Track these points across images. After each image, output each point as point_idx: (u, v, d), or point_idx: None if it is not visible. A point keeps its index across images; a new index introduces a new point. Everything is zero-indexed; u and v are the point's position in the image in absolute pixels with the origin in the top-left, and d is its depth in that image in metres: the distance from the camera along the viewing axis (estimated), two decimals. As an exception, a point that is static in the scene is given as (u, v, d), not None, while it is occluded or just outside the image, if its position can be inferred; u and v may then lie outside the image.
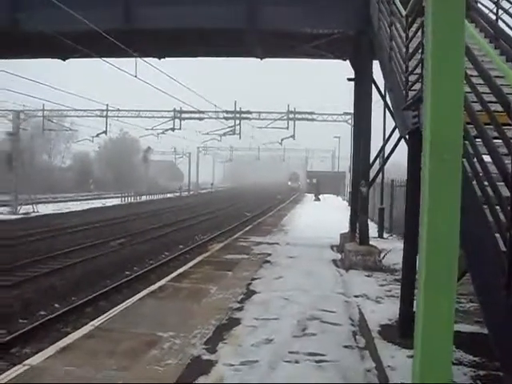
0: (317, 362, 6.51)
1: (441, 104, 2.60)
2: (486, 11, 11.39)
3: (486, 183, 4.58)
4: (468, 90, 5.39)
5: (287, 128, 47.24)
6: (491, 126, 4.55)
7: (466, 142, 5.22)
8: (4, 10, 14.86)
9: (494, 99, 4.61)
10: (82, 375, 5.77)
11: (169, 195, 66.30)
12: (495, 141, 4.60)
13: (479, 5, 11.88)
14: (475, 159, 4.88)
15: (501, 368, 3.99)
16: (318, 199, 57.10)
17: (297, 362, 6.49)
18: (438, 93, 2.61)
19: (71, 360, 6.26)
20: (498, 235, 4.34)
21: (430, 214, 2.71)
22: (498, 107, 4.47)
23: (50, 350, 6.59)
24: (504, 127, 4.31)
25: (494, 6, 10.92)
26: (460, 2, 2.72)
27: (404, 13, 7.98)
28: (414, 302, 5.13)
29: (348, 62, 17.41)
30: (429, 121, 2.65)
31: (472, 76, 5.36)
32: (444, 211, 2.69)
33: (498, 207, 4.32)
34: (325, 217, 29.73)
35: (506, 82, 4.67)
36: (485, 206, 4.63)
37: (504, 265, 4.02)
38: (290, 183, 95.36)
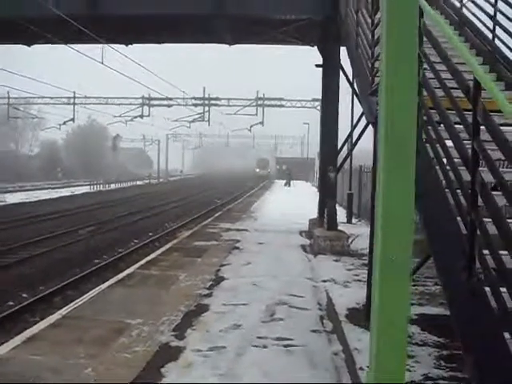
0: (285, 346, 6.57)
1: (395, 91, 2.63)
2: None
3: (448, 168, 4.66)
4: (432, 76, 5.48)
5: (256, 114, 47.33)
6: (453, 112, 4.62)
7: (430, 127, 5.30)
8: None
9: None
10: (48, 364, 5.73)
11: (138, 183, 65.76)
12: (457, 126, 4.68)
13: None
14: (438, 144, 4.96)
15: (462, 348, 4.07)
16: (289, 185, 57.26)
17: (265, 346, 6.54)
18: (393, 80, 2.64)
19: (37, 349, 6.22)
20: (459, 219, 4.43)
21: (385, 200, 2.75)
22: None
23: (16, 341, 6.52)
24: (465, 112, 4.38)
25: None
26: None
27: (370, -1, 8.03)
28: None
29: (316, 48, 17.43)
30: (384, 107, 2.69)
31: (435, 62, 5.43)
32: (398, 197, 2.72)
33: (459, 191, 4.41)
34: (294, 203, 29.83)
35: (467, 69, 4.73)
36: (447, 191, 4.72)
37: (465, 247, 4.11)
38: (258, 170, 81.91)
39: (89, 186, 51.61)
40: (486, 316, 3.82)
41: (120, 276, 10.27)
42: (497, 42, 8.92)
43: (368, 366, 3.13)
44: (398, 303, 2.78)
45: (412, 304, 7.96)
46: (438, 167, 4.94)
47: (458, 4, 11.02)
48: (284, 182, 59.73)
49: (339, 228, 15.12)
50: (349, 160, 18.28)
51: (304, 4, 14.99)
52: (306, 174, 74.84)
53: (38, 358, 5.92)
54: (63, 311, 7.81)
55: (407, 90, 2.63)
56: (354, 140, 16.52)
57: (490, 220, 3.83)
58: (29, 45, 18.25)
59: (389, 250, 2.71)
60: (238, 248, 14.23)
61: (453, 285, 4.30)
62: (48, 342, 6.50)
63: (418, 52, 5.69)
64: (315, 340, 6.92)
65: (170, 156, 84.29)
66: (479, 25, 9.73)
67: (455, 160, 4.59)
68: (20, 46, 18.62)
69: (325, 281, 10.34)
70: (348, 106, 19.44)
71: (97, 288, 9.20)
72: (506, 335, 3.53)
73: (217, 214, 23.74)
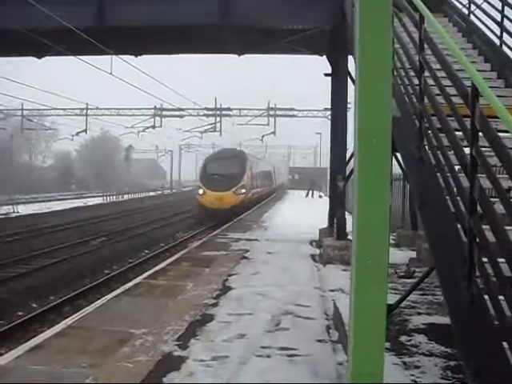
0: (288, 356, 6.52)
1: (369, 93, 2.61)
2: (460, 6, 11.52)
3: (448, 175, 4.62)
4: (432, 83, 5.45)
5: (268, 124, 47.37)
6: (453, 118, 4.59)
7: (431, 134, 5.27)
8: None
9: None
10: (50, 373, 5.73)
11: (151, 193, 66.02)
12: (457, 132, 4.64)
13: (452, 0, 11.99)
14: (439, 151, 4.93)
15: (462, 356, 4.02)
16: (307, 195, 57.85)
17: (268, 356, 6.49)
18: (367, 81, 2.62)
19: (40, 359, 6.22)
20: (459, 226, 4.38)
21: (360, 207, 2.72)
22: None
23: (20, 350, 6.53)
24: (465, 118, 4.34)
25: (467, 1, 11.02)
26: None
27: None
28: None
29: (325, 57, 17.43)
30: (357, 107, 2.67)
31: (436, 69, 5.40)
32: (373, 203, 2.69)
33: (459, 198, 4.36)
34: (305, 212, 29.74)
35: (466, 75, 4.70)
36: (447, 198, 4.67)
37: (465, 255, 4.06)
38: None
39: (102, 197, 51.85)
40: (485, 324, 3.76)
41: (127, 286, 10.25)
42: (504, 48, 8.89)
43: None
44: (375, 305, 2.74)
45: (419, 313, 7.89)
46: (439, 174, 4.90)
47: (466, 11, 11.00)
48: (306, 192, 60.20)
49: (349, 237, 15.02)
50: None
51: (313, 14, 14.99)
52: (318, 183, 74.74)
53: (39, 368, 5.91)
54: (68, 321, 7.81)
55: (381, 94, 2.61)
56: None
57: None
58: (39, 57, 18.40)
59: (364, 255, 2.68)
60: (246, 258, 14.19)
61: (453, 293, 4.25)
62: (51, 352, 6.49)
63: (419, 59, 5.70)
64: (320, 350, 6.85)
65: (182, 167, 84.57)
66: (487, 31, 9.72)
67: (456, 167, 4.56)
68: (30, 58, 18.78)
69: (332, 290, 10.28)
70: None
71: (103, 298, 9.18)
72: (505, 344, 3.47)
73: (227, 225, 23.71)
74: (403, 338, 6.63)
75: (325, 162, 70.97)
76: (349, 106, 16.04)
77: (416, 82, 5.97)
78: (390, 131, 2.69)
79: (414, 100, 6.07)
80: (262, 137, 54.54)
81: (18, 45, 16.17)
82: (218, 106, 44.49)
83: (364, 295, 2.73)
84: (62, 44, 16.10)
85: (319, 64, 19.57)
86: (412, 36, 6.44)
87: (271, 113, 45.99)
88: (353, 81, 15.02)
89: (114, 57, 19.69)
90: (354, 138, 2.85)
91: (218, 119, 43.76)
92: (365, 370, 2.81)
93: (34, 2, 12.98)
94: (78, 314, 8.20)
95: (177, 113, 42.86)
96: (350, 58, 14.02)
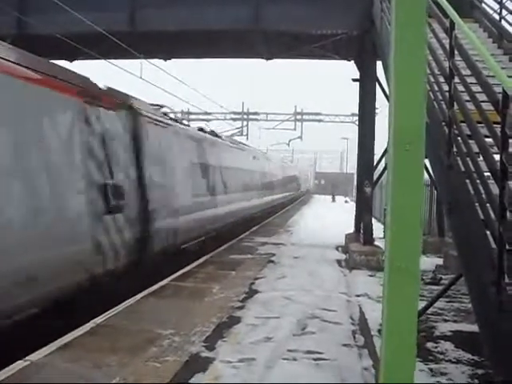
0: (314, 359, 6.54)
1: (404, 97, 2.64)
2: (491, 11, 11.43)
3: (477, 181, 4.61)
4: (462, 89, 5.45)
5: (294, 129, 47.36)
6: (483, 125, 4.59)
7: (460, 140, 5.27)
8: (11, 14, 14.99)
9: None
10: (80, 371, 5.84)
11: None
12: (487, 139, 4.64)
13: (483, 5, 11.91)
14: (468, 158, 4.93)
15: (491, 366, 4.01)
16: (334, 200, 58.29)
17: (294, 359, 6.53)
18: (401, 86, 2.65)
19: (70, 356, 6.33)
20: (489, 233, 4.38)
21: (393, 209, 2.75)
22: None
23: (52, 347, 6.65)
24: (495, 125, 4.34)
25: (498, 6, 10.94)
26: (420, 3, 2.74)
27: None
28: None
29: (353, 62, 17.42)
30: (393, 113, 2.70)
31: (466, 76, 5.40)
32: (406, 206, 2.72)
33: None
34: (332, 217, 29.71)
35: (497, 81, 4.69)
36: (477, 204, 4.67)
37: (494, 262, 4.06)
38: None
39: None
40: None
41: (153, 288, 10.35)
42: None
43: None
44: (407, 309, 2.76)
45: (446, 320, 7.85)
46: (468, 181, 4.89)
47: (497, 17, 10.92)
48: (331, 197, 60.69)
49: (375, 243, 15.00)
50: (386, 174, 18.11)
51: (341, 18, 15.02)
52: (345, 188, 74.59)
53: (69, 365, 6.03)
54: (97, 320, 7.93)
55: (416, 99, 2.65)
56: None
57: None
58: (70, 60, 18.70)
59: (397, 258, 2.71)
60: (273, 262, 14.22)
61: (481, 300, 4.25)
62: (81, 350, 6.61)
63: (449, 65, 5.70)
64: (346, 354, 6.87)
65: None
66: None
67: (485, 173, 4.55)
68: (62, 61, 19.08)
69: (358, 295, 10.27)
70: (385, 120, 19.34)
71: (130, 299, 9.29)
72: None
73: (253, 229, 23.75)
74: (429, 345, 6.60)
75: (351, 167, 70.86)
76: (377, 111, 16.00)
77: (445, 88, 5.96)
78: (423, 137, 2.73)
79: (444, 106, 6.07)
80: (289, 141, 54.66)
81: (50, 49, 16.43)
82: (245, 111, 44.60)
83: (396, 298, 2.76)
84: (93, 48, 16.34)
85: (345, 68, 19.56)
86: (442, 42, 6.44)
87: (298, 117, 45.93)
88: (381, 86, 15.01)
89: (141, 61, 19.88)
90: (388, 143, 2.88)
91: (245, 123, 43.85)
92: (396, 374, 2.83)
93: (66, 6, 13.21)
94: (106, 313, 8.30)
95: (203, 116, 43.00)
96: (379, 63, 13.99)
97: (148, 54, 18.01)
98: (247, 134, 43.05)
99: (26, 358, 6.25)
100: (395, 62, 2.70)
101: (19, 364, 6.04)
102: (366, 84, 15.45)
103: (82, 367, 5.96)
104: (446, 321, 7.81)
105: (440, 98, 6.34)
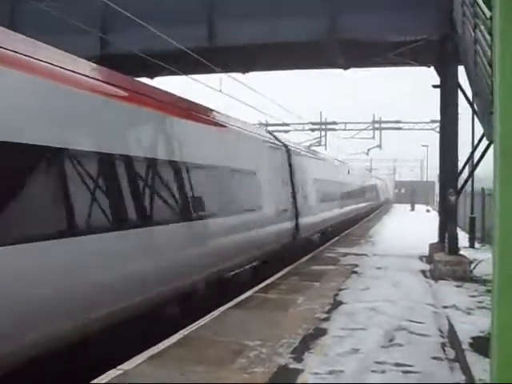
0: (404, 372, 6.42)
1: (510, 108, 2.55)
2: None
3: None
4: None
5: (373, 138, 46.86)
6: None
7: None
8: (96, 35, 15.63)
9: None
10: (170, 381, 5.97)
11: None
12: None
13: None
14: None
15: None
16: (413, 209, 57.53)
17: (383, 372, 6.43)
18: (508, 96, 2.57)
19: (160, 367, 6.48)
20: None
21: (502, 217, 2.67)
22: None
23: (143, 357, 6.83)
24: None
25: None
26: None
27: (488, 14, 7.79)
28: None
29: (432, 68, 17.09)
30: (499, 124, 2.61)
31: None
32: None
33: None
34: (413, 227, 29.18)
35: None
36: None
37: None
38: None
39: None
40: None
41: (238, 299, 10.46)
42: None
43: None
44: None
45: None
46: None
47: None
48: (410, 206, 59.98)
49: (461, 253, 14.59)
50: (470, 182, 17.62)
51: (420, 24, 14.75)
52: (425, 197, 73.01)
53: (158, 375, 6.17)
54: (185, 331, 8.08)
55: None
56: (475, 161, 15.94)
57: None
58: (152, 77, 19.28)
59: (509, 267, 2.61)
60: (356, 272, 14.09)
61: None
62: (170, 360, 6.76)
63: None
64: (436, 367, 6.70)
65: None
66: None
67: None
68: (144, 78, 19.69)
69: (446, 307, 10.03)
70: (468, 127, 18.86)
71: (216, 310, 9.42)
72: None
73: (334, 239, 23.62)
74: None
75: (432, 175, 69.30)
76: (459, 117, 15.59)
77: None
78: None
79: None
80: (368, 150, 54.11)
81: (134, 66, 16.99)
82: (323, 120, 44.49)
83: (508, 306, 2.67)
84: (173, 64, 16.78)
85: (423, 75, 19.17)
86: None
87: (376, 126, 45.42)
88: (463, 92, 14.63)
89: (220, 74, 20.20)
90: (494, 150, 2.81)
91: (324, 133, 43.72)
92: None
93: (146, 24, 13.63)
94: (193, 324, 8.45)
95: (282, 127, 43.17)
96: (460, 68, 13.64)
97: (226, 67, 18.31)
98: (326, 144, 42.91)
99: (118, 367, 6.46)
100: (501, 65, 2.62)
101: (111, 373, 6.25)
102: (448, 90, 15.08)
103: (171, 377, 6.09)
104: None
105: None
